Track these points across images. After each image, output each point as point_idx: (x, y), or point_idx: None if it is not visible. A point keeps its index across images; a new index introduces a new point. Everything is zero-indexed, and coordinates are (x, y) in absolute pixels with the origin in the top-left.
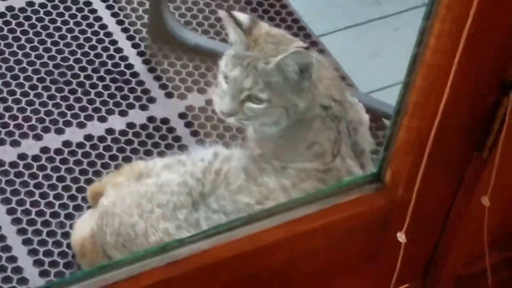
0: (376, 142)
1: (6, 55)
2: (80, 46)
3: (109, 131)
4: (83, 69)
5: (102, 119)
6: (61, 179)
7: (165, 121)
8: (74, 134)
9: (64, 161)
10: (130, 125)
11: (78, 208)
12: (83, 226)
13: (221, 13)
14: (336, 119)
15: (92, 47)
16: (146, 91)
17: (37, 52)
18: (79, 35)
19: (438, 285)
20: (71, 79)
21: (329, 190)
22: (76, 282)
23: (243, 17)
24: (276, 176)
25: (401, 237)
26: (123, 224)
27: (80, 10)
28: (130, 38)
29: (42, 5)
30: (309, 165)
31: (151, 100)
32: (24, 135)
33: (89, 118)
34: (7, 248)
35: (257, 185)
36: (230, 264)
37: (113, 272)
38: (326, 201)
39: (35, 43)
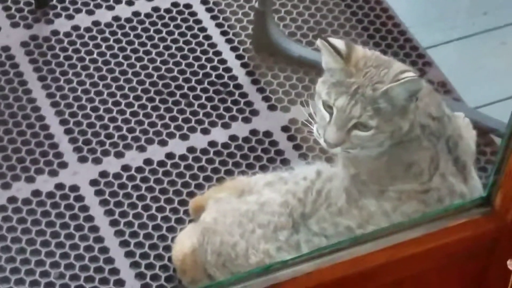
0: (484, 159)
1: (112, 65)
2: (184, 57)
3: (212, 143)
4: (187, 80)
5: (205, 131)
6: (163, 191)
7: (267, 134)
8: (177, 146)
9: (167, 173)
10: (233, 137)
11: (180, 221)
12: (184, 241)
13: (319, 42)
14: (434, 137)
15: (196, 58)
16: (249, 103)
17: (142, 63)
18: (183, 45)
19: None
20: (175, 90)
21: (435, 214)
22: None
23: (339, 43)
24: (376, 199)
25: (511, 264)
26: (224, 243)
27: (185, 20)
28: (234, 49)
29: (148, 15)
30: (408, 187)
31: (254, 112)
32: (128, 147)
33: (192, 130)
34: (110, 260)
35: (358, 208)
36: (333, 287)
37: None
38: (432, 224)
39: (140, 54)
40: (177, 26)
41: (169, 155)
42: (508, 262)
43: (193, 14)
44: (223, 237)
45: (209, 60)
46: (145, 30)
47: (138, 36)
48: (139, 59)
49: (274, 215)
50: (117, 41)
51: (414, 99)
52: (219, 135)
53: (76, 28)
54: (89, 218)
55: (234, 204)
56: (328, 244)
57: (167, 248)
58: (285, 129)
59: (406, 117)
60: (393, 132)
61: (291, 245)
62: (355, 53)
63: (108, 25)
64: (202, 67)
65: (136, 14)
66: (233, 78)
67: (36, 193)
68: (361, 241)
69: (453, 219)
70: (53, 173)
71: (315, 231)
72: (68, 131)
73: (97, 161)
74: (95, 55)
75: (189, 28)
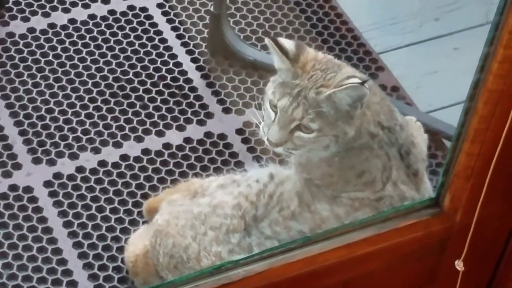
0: (435, 162)
1: (67, 68)
2: (139, 59)
3: (166, 145)
4: (142, 83)
5: (160, 134)
6: (117, 193)
7: (222, 137)
8: (131, 148)
9: (121, 175)
10: (187, 140)
11: (133, 222)
12: (137, 243)
13: (267, 41)
14: (386, 146)
15: (152, 61)
16: (204, 106)
17: (97, 65)
18: (139, 48)
19: None
20: (130, 93)
21: (386, 214)
22: None
23: (289, 44)
24: (329, 204)
25: (459, 265)
26: (176, 245)
27: (140, 23)
28: (189, 52)
29: (104, 18)
30: (361, 194)
31: (209, 115)
32: (82, 148)
33: (147, 132)
34: (63, 261)
35: (310, 212)
36: (284, 286)
37: None
38: (383, 225)
39: (96, 56)
40: (133, 29)
41: (124, 157)
42: (456, 262)
43: (149, 17)
44: (175, 240)
45: (164, 63)
46: (101, 32)
47: (94, 39)
48: (94, 61)
49: (227, 217)
50: (73, 43)
51: (359, 106)
52: (173, 137)
53: (31, 30)
54: (43, 219)
55: (186, 206)
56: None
57: (121, 249)
58: (239, 131)
59: (351, 122)
60: (337, 136)
61: (243, 248)
62: (305, 55)
63: (64, 27)
64: (157, 70)
65: (92, 17)
66: (188, 81)
67: None
68: (312, 241)
69: (403, 220)
70: (7, 174)
71: (268, 234)
72: (22, 133)
73: (51, 162)
74: (50, 57)
75: (145, 31)
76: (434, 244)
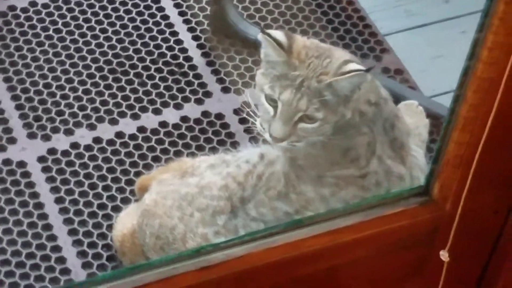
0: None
1: (67, 43)
2: (140, 36)
3: (163, 124)
4: (141, 59)
5: (156, 112)
6: (111, 170)
7: (219, 116)
8: (127, 126)
9: (115, 152)
10: (184, 119)
11: (125, 200)
12: (125, 222)
13: (260, 37)
14: (370, 122)
15: (153, 38)
16: (203, 85)
17: (98, 41)
18: (140, 24)
19: None
20: (129, 69)
21: (374, 200)
22: (104, 282)
23: (280, 35)
24: (314, 185)
25: (443, 255)
26: (163, 226)
27: None
28: (191, 30)
29: None
30: (346, 172)
31: (207, 94)
32: (78, 124)
33: (144, 110)
34: (53, 237)
35: (296, 193)
36: (265, 272)
37: (144, 273)
38: (370, 212)
39: (97, 32)
40: (135, 5)
41: (119, 134)
42: (441, 252)
43: None
44: (162, 220)
45: (165, 40)
46: (103, 8)
47: (95, 14)
48: (95, 37)
49: (213, 199)
50: (74, 18)
51: (357, 89)
52: (170, 115)
53: (33, 4)
54: (35, 195)
55: (175, 186)
56: (265, 228)
57: (111, 227)
58: (237, 112)
59: (348, 105)
60: (337, 121)
61: (229, 229)
62: (296, 44)
63: (66, 1)
64: (157, 47)
65: None
66: (189, 59)
67: None
68: (295, 226)
69: (391, 208)
70: (1, 148)
71: (253, 215)
72: (19, 107)
73: (46, 137)
74: (51, 32)
75: (147, 7)
76: (422, 234)
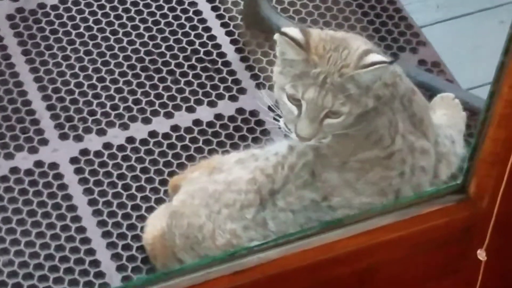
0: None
1: (99, 40)
2: (173, 32)
3: (197, 122)
4: (174, 56)
5: (190, 110)
6: (144, 170)
7: (254, 113)
8: (160, 125)
9: (149, 152)
10: (218, 116)
11: (159, 201)
12: (155, 224)
13: (277, 37)
14: (388, 101)
15: (185, 34)
16: (237, 81)
17: (129, 38)
18: (172, 21)
19: None
20: (162, 67)
21: (410, 199)
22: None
23: (296, 33)
24: (338, 172)
25: (481, 254)
26: (191, 226)
27: None
28: (224, 25)
29: None
30: (370, 154)
31: (242, 91)
32: (110, 124)
33: (177, 108)
34: (86, 240)
35: (321, 181)
36: (300, 274)
37: (177, 279)
38: (405, 211)
39: (128, 28)
40: (167, 1)
41: (152, 134)
42: (478, 252)
43: None
44: (190, 220)
45: (198, 36)
46: (134, 4)
47: (126, 11)
48: (126, 34)
49: (241, 193)
50: (105, 15)
51: (379, 79)
52: (204, 113)
53: (63, 1)
54: (67, 197)
55: (202, 184)
56: (294, 220)
57: None
58: (272, 108)
59: (370, 94)
60: (361, 111)
61: (257, 222)
62: (312, 39)
63: None
64: (190, 43)
65: None
66: (222, 55)
67: (14, 170)
68: (331, 227)
69: (427, 206)
70: (33, 150)
71: (281, 206)
72: (50, 107)
73: (78, 138)
74: (81, 30)
75: (179, 2)
76: (459, 232)
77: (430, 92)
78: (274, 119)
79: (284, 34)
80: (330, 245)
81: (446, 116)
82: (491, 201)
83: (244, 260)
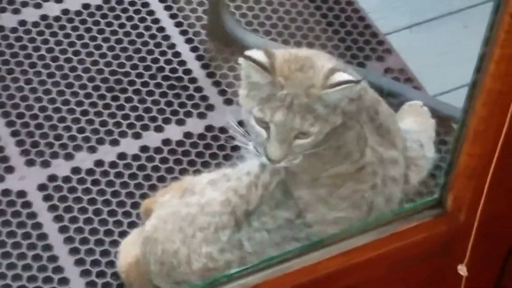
0: (445, 149)
1: (61, 62)
2: (136, 50)
3: (166, 141)
4: (139, 75)
5: (158, 129)
6: (115, 194)
7: (223, 130)
8: (129, 146)
9: (118, 174)
10: (188, 134)
11: (132, 225)
12: (129, 250)
13: (241, 61)
14: (355, 115)
15: (149, 52)
16: (204, 98)
17: (92, 58)
18: (136, 38)
19: None
20: (127, 87)
21: (387, 217)
22: None
23: (260, 56)
24: (309, 189)
25: (462, 270)
26: (165, 251)
27: (137, 12)
28: (188, 41)
29: (98, 8)
30: (341, 168)
31: (210, 107)
32: (77, 148)
33: (145, 128)
34: (59, 269)
35: (294, 199)
36: None
37: None
38: (383, 229)
39: (91, 48)
40: (129, 18)
41: (121, 155)
42: (459, 267)
43: (145, 5)
44: (164, 245)
45: (162, 53)
46: (96, 23)
47: (88, 30)
48: (89, 54)
49: (215, 215)
50: (66, 35)
51: (346, 98)
52: (173, 132)
53: (22, 23)
54: (37, 225)
55: (175, 207)
56: (269, 239)
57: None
58: (242, 124)
59: (337, 112)
60: (330, 129)
61: (233, 244)
62: (277, 61)
63: (57, 19)
64: (155, 61)
65: (86, 6)
66: (188, 71)
67: None
68: (310, 250)
69: (405, 223)
70: None
71: (256, 226)
72: (14, 133)
73: (45, 164)
74: (43, 52)
75: (142, 19)
76: (438, 247)
77: (398, 100)
78: (243, 136)
79: (248, 58)
80: (310, 267)
81: (415, 123)
82: (469, 215)
83: None
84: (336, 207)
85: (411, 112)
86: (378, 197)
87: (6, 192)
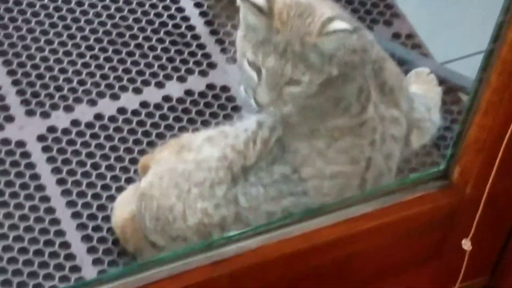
0: (450, 118)
1: (64, 12)
2: (140, 4)
3: (166, 98)
4: (142, 29)
5: (159, 85)
6: (114, 149)
7: (225, 89)
8: (129, 101)
9: (118, 129)
10: (188, 92)
11: (130, 181)
12: (124, 206)
13: (239, 1)
14: (359, 66)
15: (153, 6)
16: (206, 56)
17: (95, 10)
18: None
19: (507, 282)
20: (129, 40)
21: (391, 186)
22: (115, 280)
23: None
24: (308, 140)
25: (466, 244)
26: (161, 207)
27: None
28: None
29: None
30: (340, 122)
31: (212, 65)
32: (78, 100)
33: (146, 83)
34: (56, 221)
35: (291, 153)
36: (280, 263)
37: (154, 270)
38: (387, 198)
39: (94, 0)
40: None
41: (121, 110)
42: (463, 241)
43: None
44: (160, 201)
45: (166, 8)
46: None
47: None
48: (92, 5)
49: (211, 171)
50: None
51: (343, 47)
52: (174, 89)
53: None
54: (35, 176)
55: (171, 164)
56: (265, 194)
57: None
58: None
59: (333, 62)
60: (324, 79)
61: (229, 200)
62: (276, 5)
63: None
64: (158, 15)
65: None
66: (191, 28)
67: None
68: (310, 216)
69: (409, 193)
70: None
71: (253, 181)
72: (15, 83)
73: (45, 115)
74: (45, 1)
75: None
76: (441, 219)
77: (405, 67)
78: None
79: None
80: (310, 234)
81: (421, 91)
82: (475, 189)
83: (223, 250)
84: (334, 160)
85: (418, 80)
86: (376, 154)
87: (5, 141)
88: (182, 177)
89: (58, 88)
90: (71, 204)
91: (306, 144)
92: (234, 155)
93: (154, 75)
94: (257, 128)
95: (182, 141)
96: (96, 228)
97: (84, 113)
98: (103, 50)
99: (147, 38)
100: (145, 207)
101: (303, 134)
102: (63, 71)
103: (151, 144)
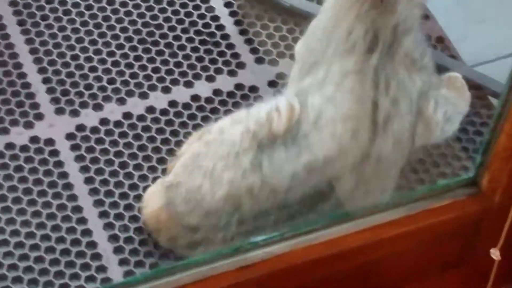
0: (480, 122)
1: (95, 11)
2: (170, 3)
3: (195, 97)
4: (172, 29)
5: (188, 84)
6: (142, 148)
7: (253, 89)
8: (158, 100)
9: (146, 128)
10: (217, 92)
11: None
12: (154, 198)
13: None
14: (372, 11)
15: (183, 5)
16: (236, 55)
17: (126, 9)
18: None
19: None
20: (159, 39)
21: (419, 193)
22: (141, 284)
23: None
24: (319, 90)
25: (494, 254)
26: (189, 190)
27: None
28: None
29: None
30: (345, 63)
31: (241, 65)
32: (107, 99)
33: (174, 82)
34: (83, 220)
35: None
36: (306, 269)
37: (181, 274)
38: (414, 205)
39: None
40: None
41: (150, 109)
42: (492, 251)
43: None
44: (188, 185)
45: (196, 7)
46: None
47: None
48: (123, 4)
49: (235, 144)
50: None
51: None
52: (202, 88)
53: None
54: (64, 175)
55: (194, 149)
56: (286, 156)
57: None
58: (271, 83)
59: None
60: None
61: (254, 167)
62: None
63: None
64: (188, 15)
65: None
66: (221, 27)
67: (10, 146)
68: (336, 222)
69: (437, 200)
70: (29, 125)
71: (277, 144)
72: (46, 80)
73: (74, 113)
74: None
75: None
76: (469, 227)
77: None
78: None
79: None
80: (336, 240)
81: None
82: (505, 198)
83: (249, 255)
84: (341, 102)
85: (448, 84)
86: (382, 97)
87: (35, 139)
88: (206, 157)
89: (88, 87)
90: (98, 203)
91: (318, 95)
92: (256, 127)
93: (183, 74)
94: (277, 101)
95: (202, 130)
96: (123, 228)
97: (112, 111)
98: (133, 48)
99: (177, 37)
100: (174, 195)
101: (314, 84)
102: (93, 69)
103: (179, 143)
